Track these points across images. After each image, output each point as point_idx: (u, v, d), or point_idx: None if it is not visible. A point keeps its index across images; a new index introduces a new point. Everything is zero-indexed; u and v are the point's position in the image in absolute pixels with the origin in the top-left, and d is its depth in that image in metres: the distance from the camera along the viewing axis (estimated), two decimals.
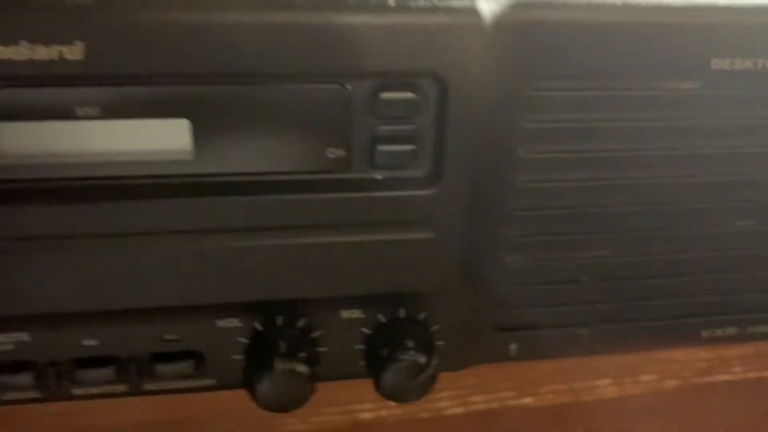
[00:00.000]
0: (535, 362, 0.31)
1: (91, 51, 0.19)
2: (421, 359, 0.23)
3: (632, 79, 0.22)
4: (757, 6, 0.23)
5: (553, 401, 0.37)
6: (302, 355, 0.23)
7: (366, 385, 0.26)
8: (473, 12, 0.21)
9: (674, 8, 0.22)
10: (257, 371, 0.23)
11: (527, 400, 0.36)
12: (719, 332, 0.28)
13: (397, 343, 0.24)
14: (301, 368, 0.23)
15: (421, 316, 0.25)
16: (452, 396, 0.34)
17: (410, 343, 0.24)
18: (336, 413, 0.33)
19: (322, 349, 0.25)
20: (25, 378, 0.23)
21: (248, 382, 0.23)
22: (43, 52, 0.19)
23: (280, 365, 0.23)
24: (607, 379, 0.36)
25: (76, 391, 0.24)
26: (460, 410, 0.35)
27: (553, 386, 0.36)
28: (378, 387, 0.24)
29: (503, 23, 0.21)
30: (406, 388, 0.24)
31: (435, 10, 0.20)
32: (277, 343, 0.23)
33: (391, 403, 0.34)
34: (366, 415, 0.33)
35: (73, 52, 0.19)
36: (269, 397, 0.23)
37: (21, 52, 0.19)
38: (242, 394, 0.27)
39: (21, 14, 0.18)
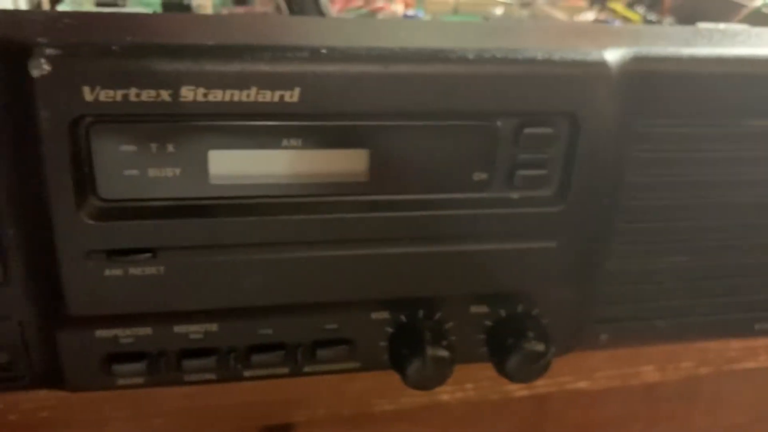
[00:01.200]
0: None
1: (305, 94, 0.23)
2: (540, 347, 0.28)
3: (721, 117, 0.27)
4: None
5: (605, 385, 0.41)
6: (445, 342, 0.28)
7: None
8: (603, 64, 0.25)
9: (754, 60, 0.27)
10: (409, 356, 0.27)
11: (582, 384, 0.41)
12: None
13: (520, 334, 0.28)
14: (445, 354, 0.28)
15: (535, 311, 0.30)
16: None
17: (531, 334, 0.28)
18: (420, 395, 0.38)
19: (452, 338, 0.29)
20: (208, 362, 0.28)
21: (399, 365, 0.28)
22: (268, 96, 0.23)
23: (430, 351, 0.27)
24: (652, 366, 0.41)
25: (247, 374, 0.29)
26: (525, 392, 0.40)
27: (607, 371, 0.41)
28: (501, 370, 0.29)
29: (625, 72, 0.26)
30: (527, 371, 0.29)
31: (573, 62, 0.25)
32: (424, 333, 0.28)
33: (467, 386, 0.39)
34: (445, 397, 0.38)
35: (291, 95, 0.23)
36: (418, 378, 0.28)
37: (251, 95, 0.23)
38: (332, 378, 0.31)
39: (254, 65, 0.23)
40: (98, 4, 0.37)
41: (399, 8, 0.40)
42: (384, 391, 0.36)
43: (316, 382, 0.33)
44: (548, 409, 0.43)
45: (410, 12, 0.37)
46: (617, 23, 0.42)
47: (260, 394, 0.34)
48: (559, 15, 0.44)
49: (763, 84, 0.27)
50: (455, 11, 0.44)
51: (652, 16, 0.44)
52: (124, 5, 0.37)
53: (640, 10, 0.44)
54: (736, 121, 0.28)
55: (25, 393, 0.28)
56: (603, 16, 0.44)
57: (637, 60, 0.26)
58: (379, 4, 0.39)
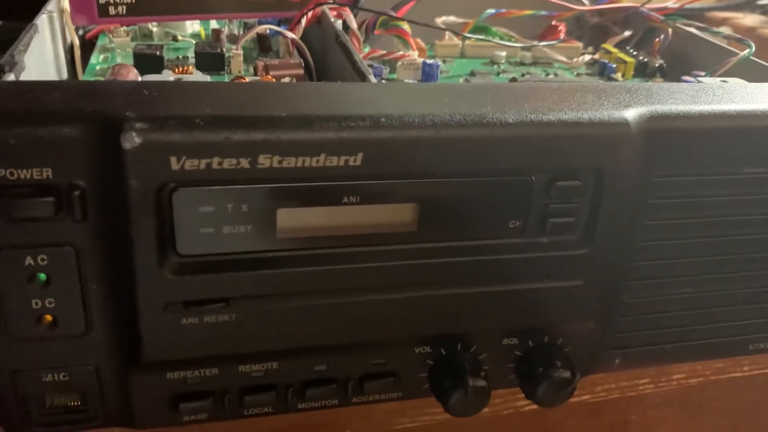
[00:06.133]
0: None
1: (367, 158, 0.26)
2: (567, 375, 0.31)
3: (725, 166, 0.31)
4: None
5: (605, 397, 0.45)
6: (483, 373, 0.31)
7: None
8: (625, 124, 0.28)
9: (752, 114, 0.31)
10: (452, 387, 0.30)
11: (584, 397, 0.44)
12: (761, 345, 0.37)
13: (549, 363, 0.31)
14: (484, 383, 0.30)
15: (559, 341, 0.33)
16: None
17: (558, 363, 0.31)
18: (439, 413, 0.40)
19: (485, 367, 0.32)
20: (267, 397, 0.30)
21: (441, 395, 0.31)
22: (335, 161, 0.26)
23: (471, 382, 0.30)
24: (647, 379, 0.45)
25: (301, 406, 0.31)
26: (534, 407, 0.43)
27: (606, 385, 0.44)
28: (532, 396, 0.32)
29: (642, 129, 0.29)
30: (555, 396, 0.32)
31: (599, 123, 0.28)
32: (465, 366, 0.31)
33: None
34: None
35: (355, 160, 0.26)
36: (460, 407, 0.30)
37: (320, 160, 0.25)
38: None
39: (323, 134, 0.25)
40: (137, 52, 0.39)
41: (415, 55, 0.42)
42: (405, 411, 0.39)
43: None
44: (550, 419, 0.46)
45: (429, 60, 0.40)
46: (613, 66, 0.46)
47: (290, 419, 0.37)
48: (559, 57, 0.47)
49: (759, 135, 0.31)
50: (462, 54, 0.47)
51: (643, 57, 0.47)
52: (161, 53, 0.39)
53: (633, 51, 0.48)
54: (737, 169, 0.31)
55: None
56: (599, 57, 0.47)
57: (653, 118, 0.29)
58: (400, 52, 0.41)
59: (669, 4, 0.52)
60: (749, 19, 0.75)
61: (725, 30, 0.76)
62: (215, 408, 0.30)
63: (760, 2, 0.77)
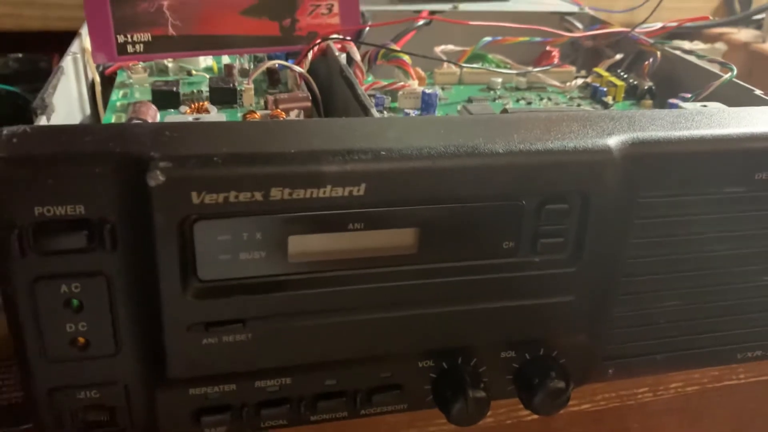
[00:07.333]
0: None
1: (369, 188, 0.28)
2: (562, 385, 0.34)
3: (705, 186, 0.33)
4: None
5: (605, 406, 0.47)
6: (482, 384, 0.33)
7: None
8: (608, 150, 0.31)
9: (728, 138, 0.33)
10: (453, 398, 0.33)
11: (585, 406, 0.46)
12: (749, 354, 0.39)
13: (544, 374, 0.34)
14: (483, 394, 0.33)
15: (554, 353, 0.35)
16: None
17: (553, 374, 0.34)
18: (445, 424, 0.42)
19: (485, 380, 0.34)
20: (282, 410, 0.32)
21: (444, 406, 0.33)
22: (340, 191, 0.28)
23: (471, 393, 0.32)
24: (646, 387, 0.47)
25: (313, 418, 0.33)
26: (534, 416, 0.45)
27: (606, 394, 0.46)
28: (528, 405, 0.34)
29: (625, 155, 0.31)
30: (551, 405, 0.34)
31: (583, 150, 0.30)
32: (465, 378, 0.33)
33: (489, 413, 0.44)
34: None
35: (359, 190, 0.28)
36: (461, 416, 0.33)
37: (326, 191, 0.28)
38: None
39: (329, 168, 0.28)
40: (155, 89, 0.42)
41: (415, 84, 0.45)
42: (413, 422, 0.41)
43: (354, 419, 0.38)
44: (552, 427, 0.48)
45: (428, 90, 0.43)
46: (604, 90, 0.48)
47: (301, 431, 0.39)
48: (553, 81, 0.49)
49: (736, 157, 0.33)
50: (461, 81, 0.50)
51: (633, 80, 0.50)
52: (177, 89, 0.42)
53: (623, 74, 0.50)
54: (718, 189, 0.33)
55: None
56: (591, 80, 0.50)
57: (635, 144, 0.31)
58: (400, 83, 0.44)
59: (664, 24, 0.54)
60: (743, 34, 0.77)
61: (720, 46, 0.79)
62: (234, 421, 0.32)
63: (754, 17, 0.79)
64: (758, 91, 0.41)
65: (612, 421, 0.49)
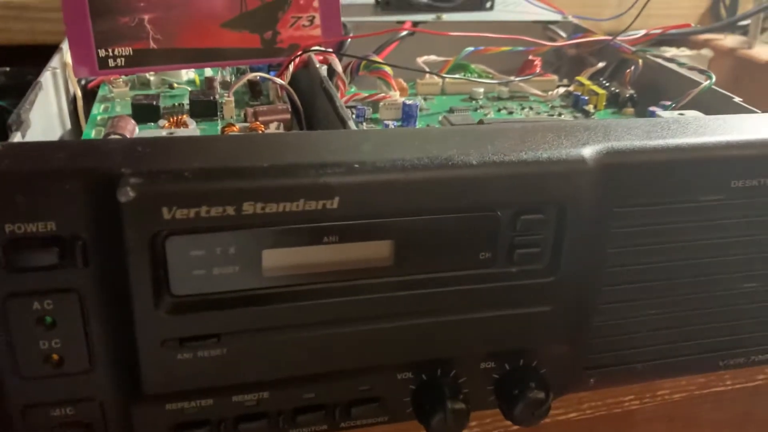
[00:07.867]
0: None
1: (342, 201, 0.28)
2: (541, 395, 0.33)
3: (681, 195, 0.33)
4: (758, 141, 0.34)
5: (591, 415, 0.47)
6: (461, 396, 0.33)
7: None
8: (582, 161, 0.31)
9: (703, 147, 0.33)
10: (432, 410, 0.32)
11: (572, 415, 0.46)
12: (731, 361, 0.39)
13: (524, 385, 0.34)
14: (462, 406, 0.33)
15: (534, 363, 0.35)
16: None
17: (533, 384, 0.34)
18: None
19: (466, 391, 0.34)
20: (260, 425, 0.32)
21: (423, 418, 0.33)
22: (314, 205, 0.28)
23: (450, 405, 0.32)
24: (632, 396, 0.47)
25: None
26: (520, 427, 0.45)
27: (592, 403, 0.46)
28: (509, 416, 0.34)
29: (600, 165, 0.31)
30: (531, 416, 0.34)
31: (557, 161, 0.30)
32: (444, 389, 0.33)
33: (472, 424, 0.44)
34: None
35: (332, 203, 0.28)
36: (441, 428, 0.32)
37: (299, 205, 0.28)
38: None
39: (302, 181, 0.28)
40: (134, 103, 0.42)
41: (396, 95, 0.45)
42: None
43: None
44: None
45: (408, 101, 0.43)
46: (586, 98, 0.48)
47: None
48: (535, 90, 0.49)
49: (712, 165, 0.33)
50: (443, 92, 0.50)
51: (615, 88, 0.50)
52: (157, 103, 0.42)
53: (605, 82, 0.50)
54: (694, 197, 0.33)
55: None
56: (573, 89, 0.50)
57: (610, 154, 0.31)
58: (381, 94, 0.44)
59: (647, 31, 0.54)
60: (730, 41, 0.78)
61: (706, 52, 0.79)
62: None
63: (740, 23, 0.80)
64: (737, 99, 0.41)
65: (599, 430, 0.49)
